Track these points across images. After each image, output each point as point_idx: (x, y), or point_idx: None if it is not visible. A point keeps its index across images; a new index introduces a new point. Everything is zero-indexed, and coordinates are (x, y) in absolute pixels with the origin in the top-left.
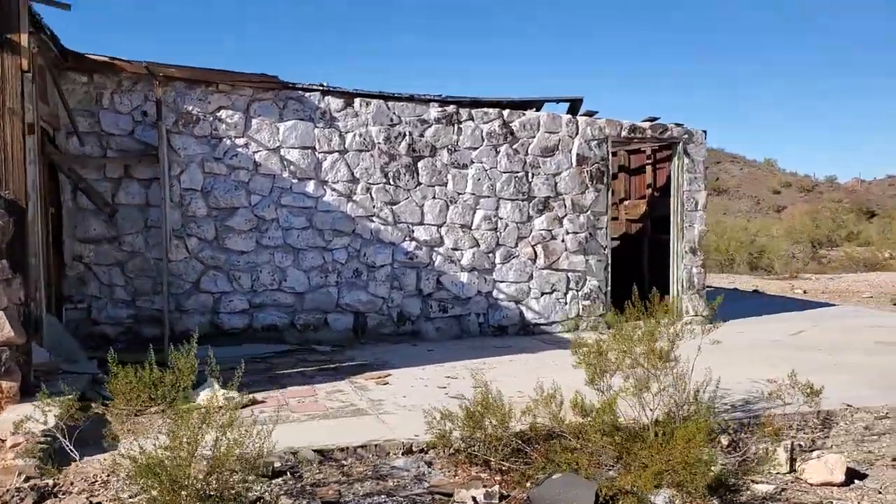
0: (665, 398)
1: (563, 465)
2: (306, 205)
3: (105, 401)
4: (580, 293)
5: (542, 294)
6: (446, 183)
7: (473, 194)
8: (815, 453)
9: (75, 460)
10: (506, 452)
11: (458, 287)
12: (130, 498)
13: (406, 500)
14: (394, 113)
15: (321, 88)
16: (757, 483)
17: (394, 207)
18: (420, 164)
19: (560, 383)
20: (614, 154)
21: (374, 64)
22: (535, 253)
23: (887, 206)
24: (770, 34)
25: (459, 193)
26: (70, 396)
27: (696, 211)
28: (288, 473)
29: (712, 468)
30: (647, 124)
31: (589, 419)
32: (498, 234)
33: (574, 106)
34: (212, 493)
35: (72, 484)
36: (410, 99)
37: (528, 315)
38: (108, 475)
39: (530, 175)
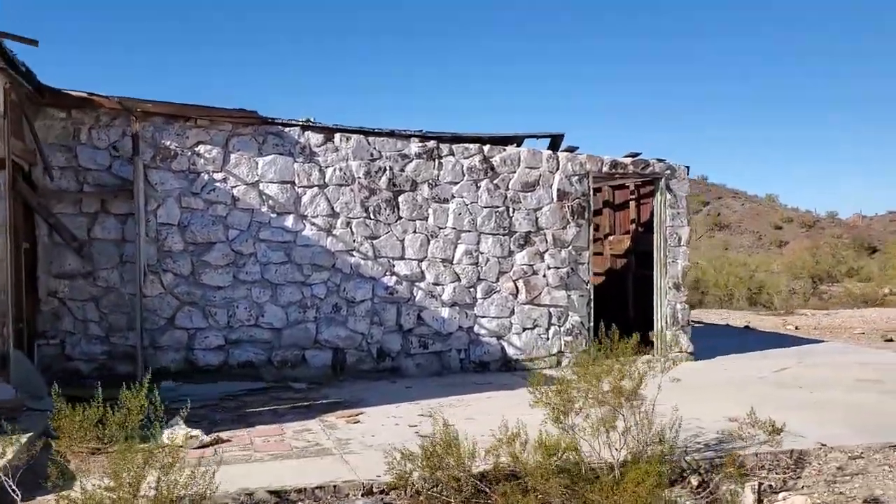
0: (629, 438)
1: None
2: (285, 239)
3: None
4: (562, 328)
5: (524, 329)
6: (427, 217)
7: (454, 229)
8: (781, 495)
9: (16, 502)
10: (468, 493)
11: (438, 322)
12: None
13: None
14: (374, 148)
15: (301, 123)
16: None
17: (374, 242)
18: (401, 199)
19: (532, 422)
20: (599, 190)
21: (354, 100)
22: (517, 288)
23: (888, 241)
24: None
25: (440, 228)
26: (29, 435)
27: (679, 246)
28: None
29: None
30: (628, 160)
31: (554, 459)
32: (479, 268)
33: (555, 141)
34: None
35: None
36: (391, 134)
37: (510, 351)
38: None
39: (511, 210)
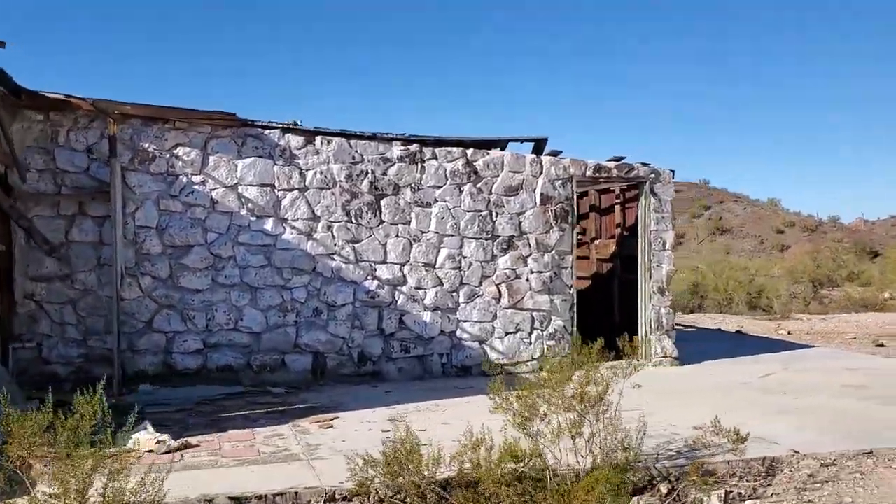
0: (594, 445)
1: None
2: (265, 242)
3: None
4: (545, 333)
5: (507, 334)
6: (409, 221)
7: (437, 233)
8: (746, 503)
9: None
10: (432, 500)
11: (420, 326)
12: None
13: None
14: (356, 151)
15: (281, 126)
16: None
17: (356, 246)
18: (383, 203)
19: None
20: (585, 194)
21: (335, 103)
22: (500, 292)
23: (889, 245)
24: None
25: (423, 232)
26: None
27: (663, 251)
28: None
29: None
30: (612, 164)
31: (521, 465)
32: (462, 273)
33: (539, 145)
34: None
35: None
36: (373, 137)
37: (493, 355)
38: None
39: (494, 214)
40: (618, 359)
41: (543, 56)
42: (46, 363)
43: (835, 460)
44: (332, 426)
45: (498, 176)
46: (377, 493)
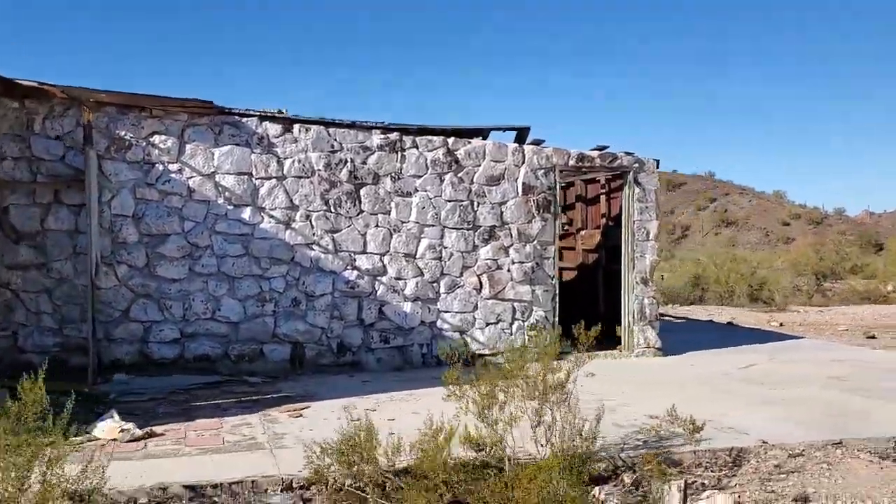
0: (553, 434)
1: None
2: (242, 231)
3: None
4: (526, 323)
5: (488, 324)
6: (389, 211)
7: (417, 223)
8: (706, 493)
9: None
10: (390, 488)
11: (400, 317)
12: None
13: None
14: (335, 139)
15: (258, 114)
16: None
17: (335, 235)
18: (362, 192)
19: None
20: (572, 184)
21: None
22: (481, 283)
23: (892, 238)
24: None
25: (403, 222)
26: None
27: (647, 241)
28: None
29: None
30: (595, 153)
31: (482, 453)
32: (442, 263)
33: (521, 134)
34: None
35: None
36: (352, 125)
37: (473, 346)
38: None
39: (476, 204)
40: (602, 349)
41: (542, 54)
42: (22, 352)
43: (803, 451)
44: (301, 415)
45: (479, 165)
46: (336, 481)
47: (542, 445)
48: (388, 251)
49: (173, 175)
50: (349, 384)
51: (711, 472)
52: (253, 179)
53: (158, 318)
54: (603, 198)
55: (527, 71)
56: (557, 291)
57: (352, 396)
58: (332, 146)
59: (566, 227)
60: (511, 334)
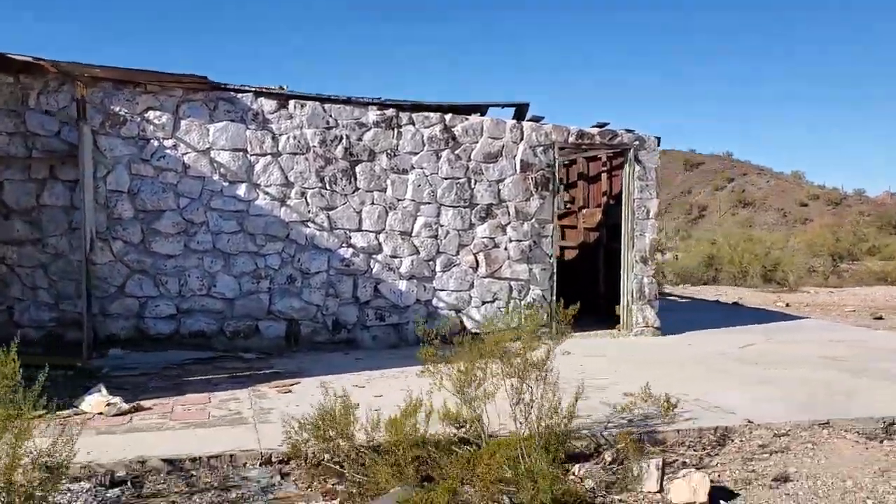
0: (532, 412)
1: (388, 480)
2: (237, 208)
3: None
4: (523, 302)
5: (484, 303)
6: (385, 188)
7: (413, 200)
8: (682, 472)
9: None
10: (370, 462)
11: (396, 295)
12: None
13: None
14: (330, 115)
15: (253, 90)
16: (618, 503)
17: (330, 213)
18: (358, 169)
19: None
20: (574, 162)
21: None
22: (477, 261)
23: None
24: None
25: (399, 199)
26: None
27: (647, 219)
28: (129, 483)
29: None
30: (595, 130)
31: (461, 430)
32: (439, 241)
33: (520, 111)
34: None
35: None
36: (348, 101)
37: (469, 324)
38: None
39: (473, 181)
40: (602, 329)
41: (548, 28)
42: (18, 326)
43: (789, 431)
44: (290, 391)
45: (477, 142)
46: (315, 455)
47: (520, 423)
48: (384, 229)
49: (168, 151)
50: (342, 361)
51: (694, 451)
52: (248, 156)
53: (154, 293)
54: (604, 176)
55: (531, 44)
56: (555, 270)
57: (343, 373)
58: (328, 122)
59: (568, 206)
60: (507, 313)
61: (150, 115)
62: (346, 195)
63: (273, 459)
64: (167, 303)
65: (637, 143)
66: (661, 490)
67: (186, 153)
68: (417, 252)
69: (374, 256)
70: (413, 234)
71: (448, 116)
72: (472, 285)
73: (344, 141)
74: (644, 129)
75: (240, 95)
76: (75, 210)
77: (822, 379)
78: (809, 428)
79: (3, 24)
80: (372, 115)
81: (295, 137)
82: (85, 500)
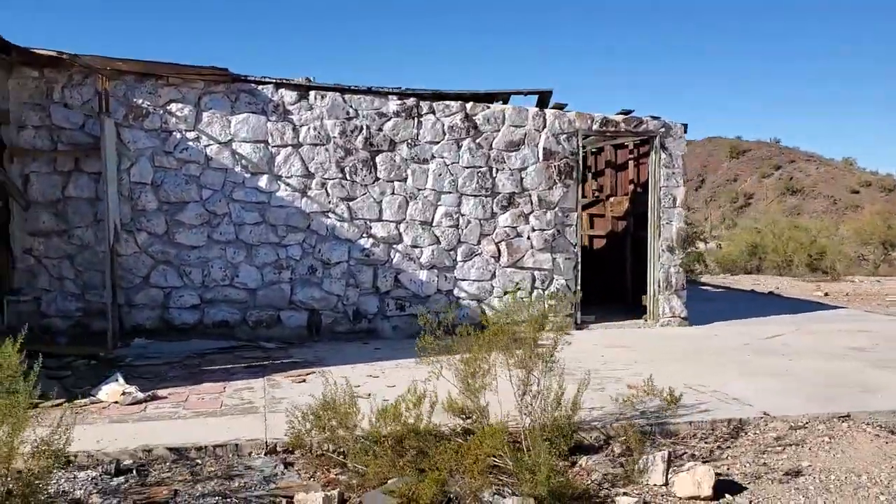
0: (537, 404)
1: (386, 470)
2: (259, 200)
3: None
4: (546, 292)
5: (506, 293)
6: (406, 178)
7: (434, 190)
8: (687, 464)
9: None
10: (376, 452)
11: (416, 285)
12: None
13: (242, 501)
14: (350, 106)
15: (274, 81)
16: (622, 496)
17: (350, 203)
18: (378, 159)
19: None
20: (602, 150)
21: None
22: (499, 251)
23: None
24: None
25: (419, 189)
26: None
27: (673, 207)
28: (134, 471)
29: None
30: (620, 117)
31: (467, 421)
32: (460, 231)
33: (543, 98)
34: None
35: None
36: (368, 91)
37: (491, 314)
38: None
39: (494, 170)
40: (629, 319)
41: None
42: (45, 317)
43: (806, 423)
44: (304, 381)
45: (498, 130)
46: (320, 446)
47: (525, 415)
48: (404, 219)
49: (191, 143)
50: (360, 351)
51: (706, 443)
52: (269, 147)
53: (178, 284)
54: (631, 163)
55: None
56: (579, 259)
57: (360, 363)
58: (348, 113)
59: (597, 194)
60: (530, 304)
61: (173, 107)
62: (366, 185)
63: (278, 449)
64: (191, 293)
65: (663, 130)
66: (666, 483)
67: (209, 145)
68: (438, 242)
69: (394, 246)
70: (434, 224)
71: (469, 105)
72: (493, 275)
73: (364, 131)
74: (675, 118)
75: (260, 87)
76: (100, 202)
77: (845, 370)
78: (828, 420)
79: (25, 23)
80: (392, 104)
81: (315, 128)
82: (87, 489)
